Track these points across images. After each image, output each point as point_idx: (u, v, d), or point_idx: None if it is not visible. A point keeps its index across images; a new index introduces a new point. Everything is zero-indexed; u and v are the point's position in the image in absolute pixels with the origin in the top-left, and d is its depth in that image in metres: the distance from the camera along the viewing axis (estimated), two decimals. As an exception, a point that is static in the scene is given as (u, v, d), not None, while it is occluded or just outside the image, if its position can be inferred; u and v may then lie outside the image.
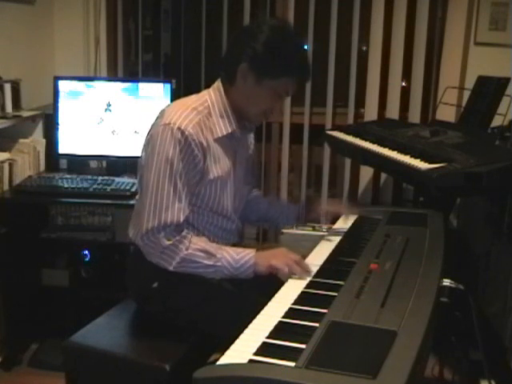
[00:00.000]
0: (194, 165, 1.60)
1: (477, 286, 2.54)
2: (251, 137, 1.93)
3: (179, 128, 1.56)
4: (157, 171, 1.57)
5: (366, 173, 3.18)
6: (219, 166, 1.67)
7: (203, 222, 1.71)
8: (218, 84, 1.70)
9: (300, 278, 1.49)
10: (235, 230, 1.82)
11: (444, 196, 2.16)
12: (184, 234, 1.59)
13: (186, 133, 1.56)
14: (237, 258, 1.58)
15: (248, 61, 1.60)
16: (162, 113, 1.65)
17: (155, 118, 1.68)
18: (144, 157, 1.66)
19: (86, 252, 2.78)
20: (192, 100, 1.68)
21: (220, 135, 1.66)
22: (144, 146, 1.68)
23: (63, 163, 2.91)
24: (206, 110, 1.65)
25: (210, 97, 1.68)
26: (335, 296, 1.32)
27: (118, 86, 2.74)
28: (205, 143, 1.61)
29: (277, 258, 1.57)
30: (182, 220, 1.58)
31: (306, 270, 1.51)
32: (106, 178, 2.63)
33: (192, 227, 1.68)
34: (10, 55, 2.74)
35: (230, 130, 1.68)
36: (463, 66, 2.97)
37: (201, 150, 1.60)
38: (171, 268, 1.58)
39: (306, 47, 1.71)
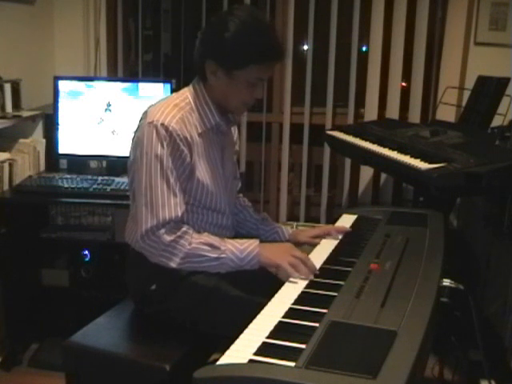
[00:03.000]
0: (182, 160, 1.60)
1: (477, 286, 2.54)
2: (236, 133, 1.93)
3: (163, 124, 1.57)
4: (148, 170, 1.56)
5: (366, 173, 3.18)
6: (207, 160, 1.67)
7: (198, 220, 1.71)
8: (196, 80, 1.72)
9: (303, 277, 1.48)
10: (230, 225, 1.82)
11: (444, 196, 2.16)
12: (185, 229, 1.58)
13: (170, 128, 1.57)
14: (241, 248, 1.57)
15: (212, 57, 1.61)
16: (145, 114, 1.65)
17: (139, 119, 1.67)
18: (132, 160, 1.65)
19: (86, 252, 2.78)
20: (173, 98, 1.69)
21: (204, 129, 1.67)
22: (131, 148, 1.67)
23: (63, 163, 2.92)
24: (187, 106, 1.66)
25: (191, 93, 1.70)
26: (335, 296, 1.32)
27: (118, 86, 2.74)
28: (189, 138, 1.61)
29: (283, 256, 1.54)
30: (180, 214, 1.57)
31: (312, 270, 1.50)
32: (105, 178, 2.63)
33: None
34: (10, 55, 2.75)
35: (213, 123, 1.69)
36: (463, 66, 2.97)
37: (186, 145, 1.60)
38: (175, 265, 1.56)
39: (272, 29, 1.65)
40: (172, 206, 1.57)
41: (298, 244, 1.89)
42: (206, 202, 1.70)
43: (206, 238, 1.59)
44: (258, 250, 1.57)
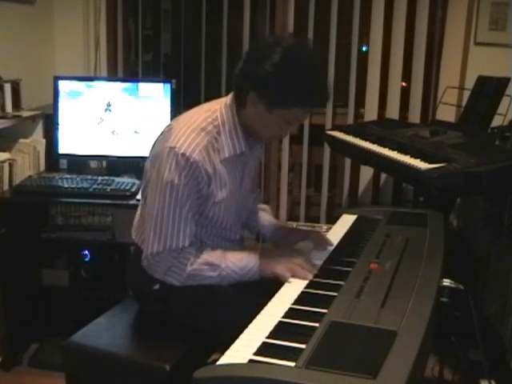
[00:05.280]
0: (198, 190, 1.57)
1: (477, 285, 2.54)
2: (259, 151, 1.87)
3: (184, 154, 1.51)
4: (162, 197, 1.54)
5: (366, 173, 3.18)
6: (225, 187, 1.64)
7: (206, 233, 1.70)
8: (230, 102, 1.63)
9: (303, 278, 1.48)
10: (239, 239, 1.82)
11: (444, 196, 2.16)
12: (187, 250, 1.59)
13: (191, 160, 1.52)
14: (241, 265, 1.59)
15: (257, 90, 1.52)
16: (170, 129, 1.60)
17: (161, 132, 1.64)
18: (148, 173, 1.63)
19: (86, 252, 2.78)
20: (202, 117, 1.61)
21: (227, 156, 1.62)
22: (149, 160, 1.64)
23: (63, 163, 2.91)
24: (215, 130, 1.60)
25: (221, 114, 1.62)
26: (335, 296, 1.32)
27: (117, 86, 2.74)
28: (210, 169, 1.57)
29: (280, 265, 1.55)
30: (187, 244, 1.58)
31: (310, 272, 1.50)
32: (105, 178, 2.63)
33: (195, 238, 1.66)
34: (10, 55, 2.74)
35: (238, 152, 1.63)
36: (463, 66, 2.97)
37: (205, 176, 1.56)
38: (178, 284, 1.59)
39: (321, 72, 1.60)
40: (181, 236, 1.57)
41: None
42: (217, 223, 1.70)
43: (207, 256, 1.60)
44: (257, 267, 1.59)
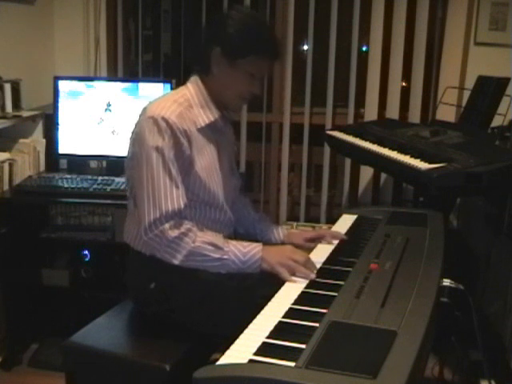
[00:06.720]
0: (182, 152, 1.61)
1: (477, 286, 2.54)
2: (231, 133, 1.93)
3: (163, 118, 1.58)
4: (149, 163, 1.57)
5: (366, 173, 3.18)
6: (204, 156, 1.69)
7: (196, 215, 1.71)
8: (194, 78, 1.74)
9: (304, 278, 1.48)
10: (228, 221, 1.82)
11: (444, 196, 2.16)
12: (189, 226, 1.59)
13: (170, 121, 1.58)
14: (244, 251, 1.59)
15: (219, 44, 1.64)
16: (144, 110, 1.66)
17: (138, 116, 1.68)
18: (131, 156, 1.66)
19: (86, 252, 2.78)
20: (171, 95, 1.73)
21: (203, 124, 1.68)
22: (130, 145, 1.68)
23: (63, 163, 2.92)
24: (186, 103, 1.68)
25: (189, 90, 1.72)
26: (335, 296, 1.32)
27: (118, 86, 2.74)
28: (188, 131, 1.63)
29: (282, 262, 1.54)
30: (182, 206, 1.59)
31: (311, 272, 1.50)
32: (105, 178, 2.63)
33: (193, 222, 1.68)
34: (10, 55, 2.75)
35: (212, 119, 1.70)
36: (463, 66, 2.97)
37: (186, 138, 1.62)
38: (177, 262, 1.58)
39: (273, 29, 1.84)
40: (174, 197, 1.58)
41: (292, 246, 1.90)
42: (204, 197, 1.70)
43: (210, 237, 1.61)
44: (260, 255, 1.58)
